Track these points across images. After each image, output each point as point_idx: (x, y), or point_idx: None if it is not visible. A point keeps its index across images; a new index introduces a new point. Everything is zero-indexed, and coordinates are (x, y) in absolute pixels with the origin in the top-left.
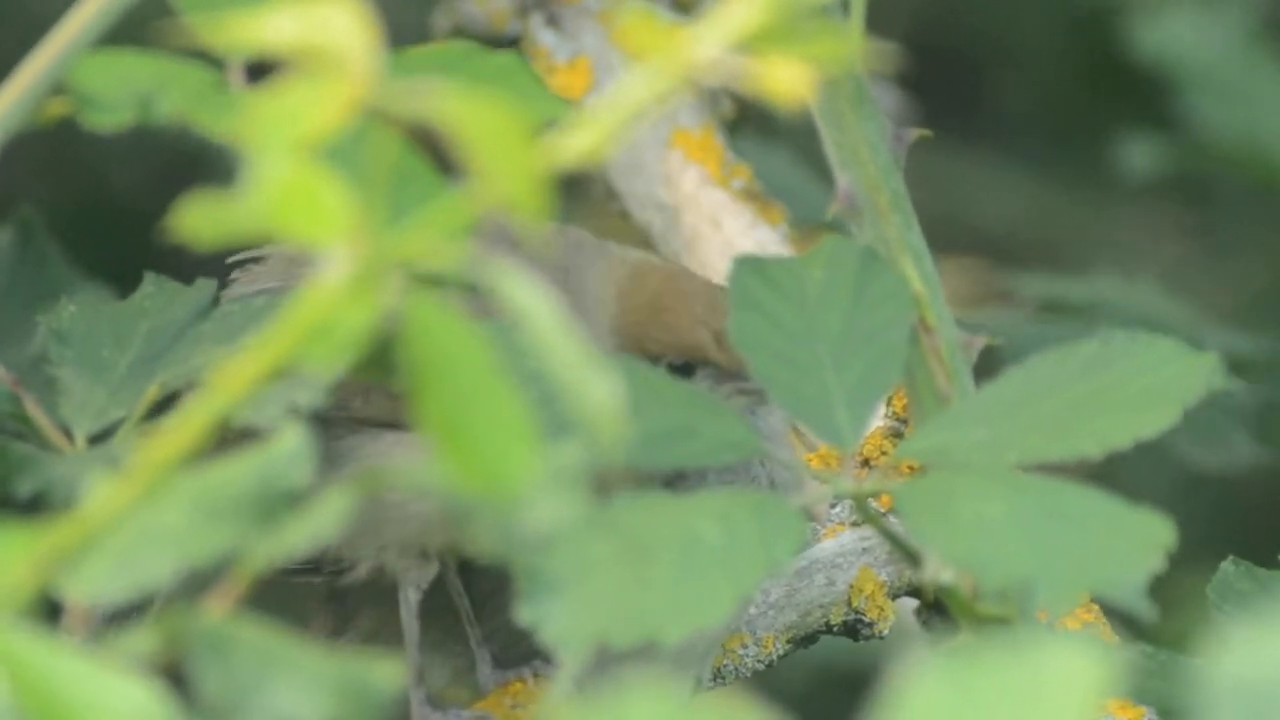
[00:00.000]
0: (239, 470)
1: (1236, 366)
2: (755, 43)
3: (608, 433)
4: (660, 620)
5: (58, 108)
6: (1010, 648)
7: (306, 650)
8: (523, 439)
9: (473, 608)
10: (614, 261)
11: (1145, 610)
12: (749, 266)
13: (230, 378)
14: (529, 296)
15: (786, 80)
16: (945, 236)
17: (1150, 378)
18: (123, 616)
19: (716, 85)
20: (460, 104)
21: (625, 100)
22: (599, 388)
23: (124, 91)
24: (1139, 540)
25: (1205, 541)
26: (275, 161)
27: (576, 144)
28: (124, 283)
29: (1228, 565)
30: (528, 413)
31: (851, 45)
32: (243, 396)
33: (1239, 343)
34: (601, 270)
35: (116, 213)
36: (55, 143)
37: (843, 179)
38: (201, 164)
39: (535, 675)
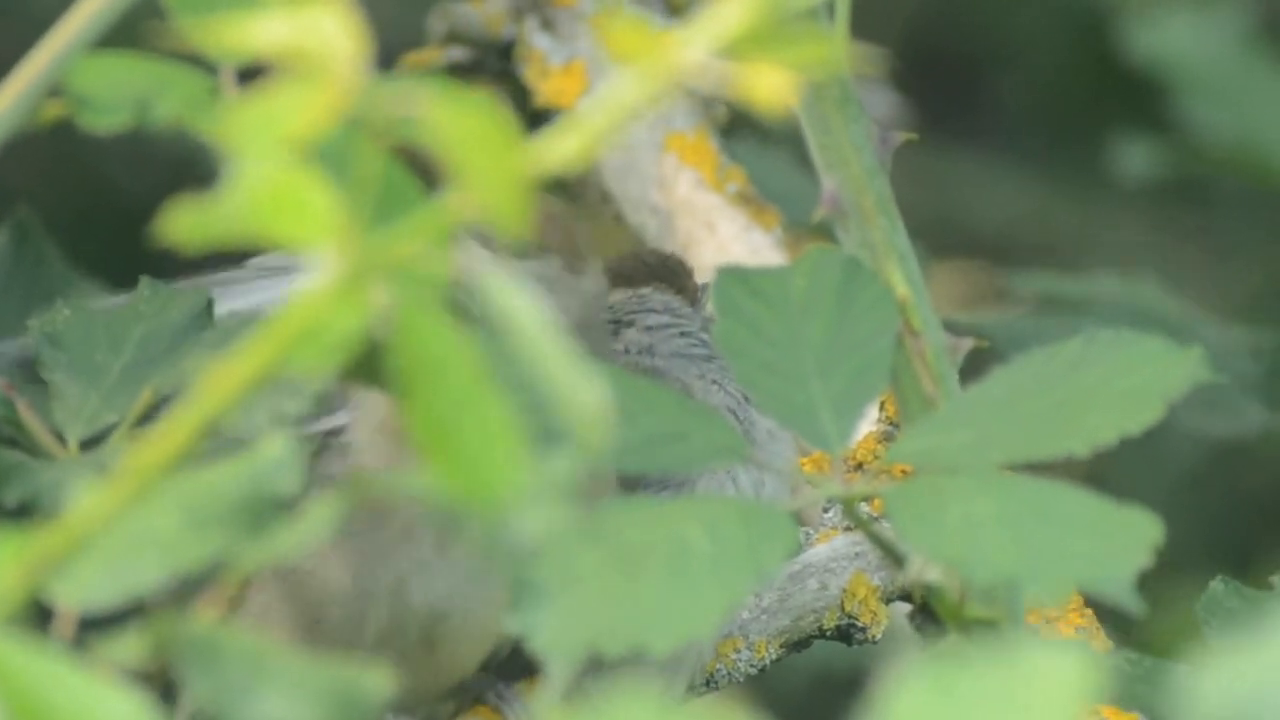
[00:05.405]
0: (228, 476)
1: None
2: (742, 47)
3: (596, 438)
4: (649, 630)
5: (55, 109)
6: (997, 652)
7: (295, 657)
8: (511, 447)
9: None
10: None
11: (1135, 606)
12: (733, 276)
13: (219, 383)
14: (515, 301)
15: (771, 86)
16: (942, 238)
17: (1135, 375)
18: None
19: (703, 90)
20: (443, 110)
21: (611, 105)
22: (587, 393)
23: (120, 94)
24: (1127, 537)
25: (1204, 542)
26: (259, 164)
27: (562, 149)
28: (122, 284)
29: (1217, 584)
30: (516, 420)
31: (837, 50)
32: (231, 402)
33: (1236, 339)
34: None
35: (115, 214)
36: (54, 144)
37: (828, 182)
38: (201, 166)
39: (498, 697)
